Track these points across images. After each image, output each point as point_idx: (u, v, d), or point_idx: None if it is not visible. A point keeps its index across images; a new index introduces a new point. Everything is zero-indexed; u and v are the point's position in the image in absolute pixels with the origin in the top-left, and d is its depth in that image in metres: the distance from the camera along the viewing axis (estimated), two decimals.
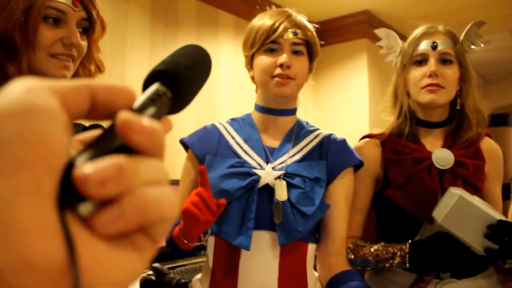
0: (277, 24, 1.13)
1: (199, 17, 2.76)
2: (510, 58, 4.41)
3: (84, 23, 0.90)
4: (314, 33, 1.19)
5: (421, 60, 1.28)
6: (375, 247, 1.22)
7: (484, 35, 1.43)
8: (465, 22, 3.57)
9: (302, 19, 1.18)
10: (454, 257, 1.08)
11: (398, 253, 1.16)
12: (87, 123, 1.02)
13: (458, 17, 3.41)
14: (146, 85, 0.33)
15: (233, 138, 1.20)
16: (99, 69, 0.98)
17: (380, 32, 1.45)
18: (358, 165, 1.21)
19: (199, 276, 1.23)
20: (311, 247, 1.14)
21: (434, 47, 1.27)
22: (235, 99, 2.96)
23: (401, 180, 1.24)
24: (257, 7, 1.34)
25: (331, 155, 1.17)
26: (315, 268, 1.19)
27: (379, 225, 1.34)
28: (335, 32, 3.25)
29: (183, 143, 1.25)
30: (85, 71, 0.96)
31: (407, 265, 1.14)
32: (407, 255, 1.14)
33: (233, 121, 1.26)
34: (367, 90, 3.28)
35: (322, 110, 3.35)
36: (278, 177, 1.10)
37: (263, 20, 1.16)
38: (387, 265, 1.18)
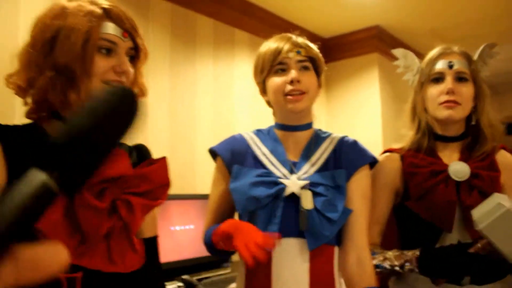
0: (280, 46, 1.21)
1: (216, 36, 2.86)
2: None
3: (131, 52, 0.98)
4: (317, 50, 1.28)
5: (438, 78, 1.37)
6: (390, 253, 1.30)
7: (494, 47, 1.50)
8: (473, 35, 3.68)
9: (304, 39, 1.27)
10: (467, 267, 1.16)
11: (410, 259, 1.24)
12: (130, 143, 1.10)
13: (466, 30, 3.50)
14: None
15: (259, 148, 1.28)
16: (143, 93, 1.06)
17: (397, 52, 1.54)
18: (373, 162, 1.27)
19: (233, 285, 1.31)
20: (337, 250, 1.21)
21: (450, 66, 1.35)
22: (251, 115, 3.05)
23: (420, 192, 1.31)
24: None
25: (344, 158, 1.24)
26: None
27: (401, 235, 1.41)
28: (347, 47, 3.34)
29: (212, 151, 1.32)
30: None
31: (417, 270, 1.22)
32: (417, 260, 1.22)
33: (259, 132, 1.34)
34: (379, 103, 3.36)
35: (335, 124, 3.43)
36: (303, 187, 1.18)
37: (267, 47, 1.25)
38: (400, 270, 1.25)
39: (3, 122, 0.92)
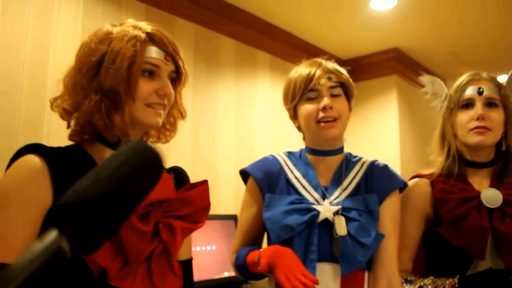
0: (312, 72, 1.23)
1: (238, 56, 2.90)
2: None
3: (173, 75, 1.00)
4: (347, 74, 1.29)
5: (468, 104, 1.37)
6: (425, 281, 1.29)
7: (508, 70, 1.51)
8: (491, 57, 3.68)
9: (334, 64, 1.29)
10: None
11: (449, 286, 1.23)
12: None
13: (484, 53, 3.51)
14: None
15: (292, 172, 1.28)
16: (182, 115, 1.08)
17: (425, 79, 1.55)
18: (402, 187, 1.28)
19: None
20: (367, 275, 1.21)
21: (480, 92, 1.36)
22: (272, 135, 3.06)
23: (452, 218, 1.31)
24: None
25: (376, 182, 1.25)
26: None
27: (430, 261, 1.40)
28: (366, 69, 3.36)
29: (244, 172, 1.32)
30: (170, 117, 1.05)
31: None
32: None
33: (291, 155, 1.34)
34: (397, 125, 3.36)
35: (354, 145, 3.43)
36: (336, 212, 1.18)
37: (298, 73, 1.26)
38: None
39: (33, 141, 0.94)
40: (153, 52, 0.94)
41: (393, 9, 2.76)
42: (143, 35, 0.94)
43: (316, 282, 1.01)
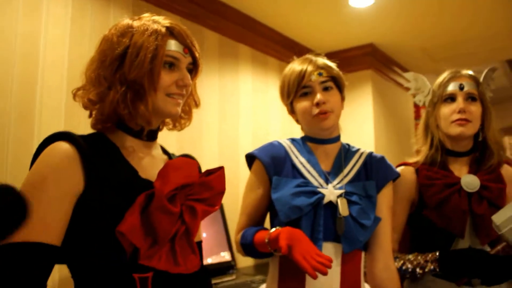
0: (303, 70, 1.32)
1: (221, 50, 2.96)
2: (503, 85, 4.74)
3: (190, 66, 1.06)
4: (337, 68, 1.39)
5: (450, 99, 1.51)
6: (410, 256, 1.43)
7: (480, 65, 1.67)
8: (460, 54, 3.87)
9: (324, 60, 1.38)
10: (481, 268, 1.29)
11: (430, 260, 1.37)
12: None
13: (454, 50, 3.70)
14: None
15: (297, 157, 1.37)
16: (196, 104, 1.14)
17: (408, 75, 1.68)
18: (395, 178, 1.40)
19: (263, 286, 1.40)
20: (363, 255, 1.33)
21: (461, 88, 1.49)
22: (254, 126, 3.15)
23: (436, 202, 1.44)
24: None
25: (375, 172, 1.36)
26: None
27: (414, 241, 1.53)
28: (342, 63, 3.46)
29: (250, 156, 1.39)
30: (185, 106, 1.11)
31: (437, 270, 1.35)
32: (437, 261, 1.35)
33: (294, 142, 1.42)
34: (372, 118, 3.51)
35: None
36: (339, 195, 1.28)
37: (291, 71, 1.36)
38: (420, 271, 1.38)
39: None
40: (173, 45, 0.99)
41: (371, 7, 2.88)
42: (163, 29, 0.99)
43: (331, 261, 1.09)
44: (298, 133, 1.49)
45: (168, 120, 1.12)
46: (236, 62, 3.07)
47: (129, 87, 0.97)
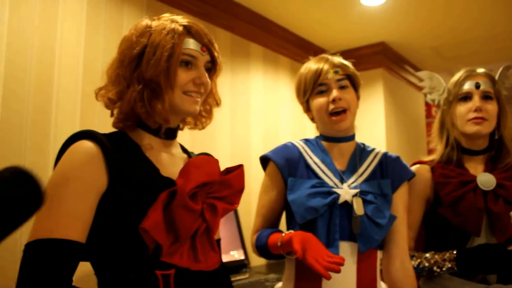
0: (320, 68, 1.34)
1: (233, 48, 2.97)
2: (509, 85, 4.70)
3: (208, 65, 1.06)
4: (352, 67, 1.40)
5: (466, 97, 1.51)
6: (427, 255, 1.43)
7: (486, 64, 1.67)
8: (470, 53, 3.85)
9: (340, 59, 1.39)
10: (499, 263, 1.29)
11: (448, 259, 1.37)
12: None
13: (464, 49, 3.68)
14: None
15: (311, 158, 1.37)
16: (217, 103, 1.15)
17: (423, 74, 1.68)
18: (411, 178, 1.40)
19: (279, 284, 1.40)
20: (380, 253, 1.33)
21: (477, 86, 1.49)
22: (265, 124, 3.16)
23: (451, 200, 1.45)
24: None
25: (390, 172, 1.37)
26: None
27: (430, 239, 1.54)
28: (353, 62, 3.47)
29: (264, 158, 1.40)
30: (206, 105, 1.12)
31: (455, 268, 1.35)
32: (454, 260, 1.36)
33: (308, 142, 1.43)
34: (383, 116, 3.51)
35: None
36: (354, 195, 1.29)
37: (307, 69, 1.37)
38: (438, 269, 1.39)
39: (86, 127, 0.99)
40: (190, 44, 1.00)
41: (383, 5, 2.88)
42: (180, 28, 1.00)
43: (343, 259, 1.10)
44: (309, 132, 1.51)
45: (189, 119, 1.13)
46: (247, 61, 3.08)
47: (146, 86, 0.98)
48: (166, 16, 1.05)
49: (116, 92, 1.00)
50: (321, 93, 1.35)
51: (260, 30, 3.11)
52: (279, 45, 3.29)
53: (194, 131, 1.17)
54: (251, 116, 3.04)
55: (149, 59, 0.97)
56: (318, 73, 1.33)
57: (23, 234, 1.53)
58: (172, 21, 1.02)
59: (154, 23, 1.02)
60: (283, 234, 1.20)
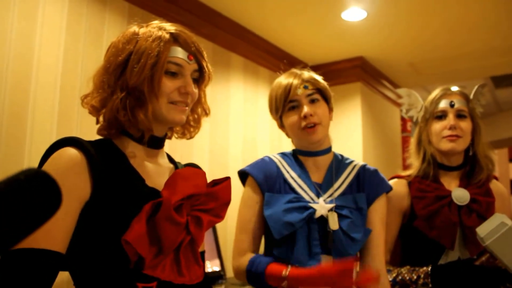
0: (289, 84, 1.35)
1: (214, 58, 2.98)
2: (487, 100, 4.86)
3: (195, 74, 1.04)
4: (322, 80, 1.41)
5: (441, 116, 1.56)
6: (402, 270, 1.46)
7: (461, 81, 1.73)
8: (447, 70, 3.97)
9: (309, 72, 1.40)
10: (469, 279, 1.33)
11: (422, 275, 1.41)
12: None
13: (441, 66, 3.80)
14: None
15: (288, 172, 1.38)
16: (206, 112, 1.14)
17: (402, 91, 1.72)
18: (388, 191, 1.42)
19: None
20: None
21: (452, 105, 1.54)
22: (244, 134, 3.17)
23: (426, 213, 1.48)
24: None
25: (367, 185, 1.38)
26: None
27: (405, 252, 1.57)
28: (332, 75, 3.53)
29: (243, 173, 1.40)
30: (194, 114, 1.11)
31: (430, 284, 1.39)
32: (429, 276, 1.39)
33: (285, 156, 1.44)
34: (360, 129, 3.57)
35: None
36: (330, 210, 1.30)
37: (278, 85, 1.39)
38: (413, 285, 1.41)
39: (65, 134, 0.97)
40: (177, 52, 0.98)
41: (363, 21, 2.95)
42: (167, 36, 0.98)
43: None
44: (287, 143, 1.52)
45: (177, 128, 1.11)
46: (227, 71, 3.09)
47: (129, 93, 0.96)
48: (155, 23, 1.04)
49: (99, 100, 0.99)
50: (293, 108, 1.36)
51: (241, 40, 3.13)
52: (260, 56, 3.32)
53: (172, 139, 1.15)
54: (230, 126, 3.05)
55: (133, 66, 0.95)
56: (288, 90, 1.34)
57: None
58: (160, 28, 1.00)
59: (142, 30, 1.00)
60: (289, 268, 1.18)
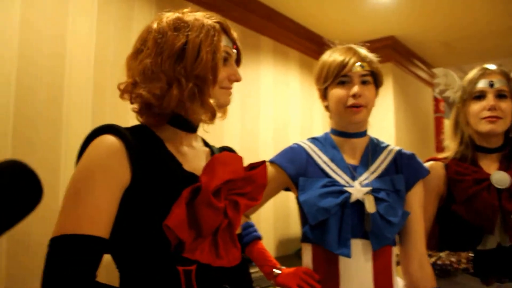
0: (346, 59, 1.31)
1: (243, 41, 2.96)
2: None
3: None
4: (378, 64, 1.39)
5: (480, 96, 1.51)
6: (442, 254, 1.44)
7: (497, 59, 1.66)
8: (481, 48, 3.83)
9: (367, 53, 1.37)
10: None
11: (464, 260, 1.39)
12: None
13: (475, 44, 3.67)
14: None
15: (319, 157, 1.37)
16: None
17: (438, 71, 1.67)
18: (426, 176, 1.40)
19: None
20: (394, 250, 1.34)
21: (491, 85, 1.49)
22: (274, 118, 3.16)
23: (465, 197, 1.45)
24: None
25: (405, 169, 1.37)
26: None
27: (443, 236, 1.55)
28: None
29: (272, 163, 1.38)
30: None
31: (471, 270, 1.37)
32: (471, 261, 1.37)
33: (315, 141, 1.42)
34: (392, 110, 3.51)
35: None
36: (366, 193, 1.29)
37: (333, 57, 1.35)
38: (453, 270, 1.40)
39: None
40: (227, 41, 1.02)
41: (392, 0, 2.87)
42: (217, 26, 1.00)
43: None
44: (317, 125, 1.51)
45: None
46: (257, 54, 3.08)
47: (191, 82, 0.97)
48: (192, 10, 1.04)
49: (159, 87, 0.97)
50: (342, 83, 1.33)
51: (270, 23, 3.10)
52: (290, 38, 3.29)
53: (203, 124, 1.16)
54: (260, 108, 3.05)
55: (194, 56, 0.96)
56: (343, 65, 1.31)
57: (34, 227, 1.56)
58: (208, 17, 1.01)
59: (188, 18, 1.00)
60: (278, 272, 1.35)
